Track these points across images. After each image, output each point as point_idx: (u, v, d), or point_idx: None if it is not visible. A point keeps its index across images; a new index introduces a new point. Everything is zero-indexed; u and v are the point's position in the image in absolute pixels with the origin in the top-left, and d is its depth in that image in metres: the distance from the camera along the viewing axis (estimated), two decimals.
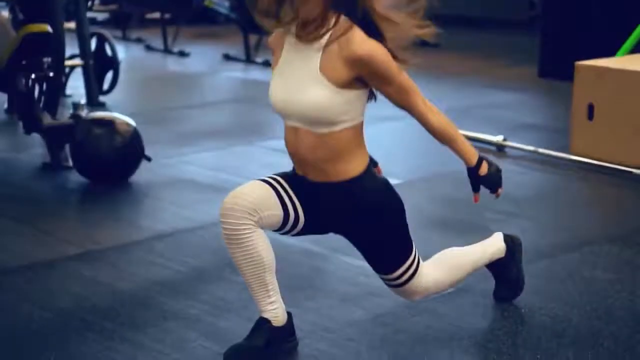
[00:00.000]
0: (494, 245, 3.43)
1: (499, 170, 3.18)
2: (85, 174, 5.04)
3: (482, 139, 5.83)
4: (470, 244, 4.18)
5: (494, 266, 3.45)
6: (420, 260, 3.15)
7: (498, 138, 5.74)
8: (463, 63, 9.11)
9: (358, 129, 2.92)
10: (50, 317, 3.37)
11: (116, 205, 4.74)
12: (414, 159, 5.62)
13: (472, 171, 3.16)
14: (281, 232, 3.01)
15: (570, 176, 5.27)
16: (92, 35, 7.03)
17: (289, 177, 3.01)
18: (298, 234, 3.04)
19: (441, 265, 3.24)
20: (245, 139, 6.08)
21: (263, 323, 3.00)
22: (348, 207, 2.96)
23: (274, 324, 3.00)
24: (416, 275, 3.10)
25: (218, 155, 5.68)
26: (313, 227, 3.02)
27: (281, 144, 5.69)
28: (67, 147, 5.25)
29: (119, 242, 4.16)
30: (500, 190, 3.20)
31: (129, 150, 5.01)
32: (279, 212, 2.93)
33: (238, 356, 2.96)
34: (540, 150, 5.56)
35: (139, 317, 3.36)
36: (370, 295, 3.56)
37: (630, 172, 5.14)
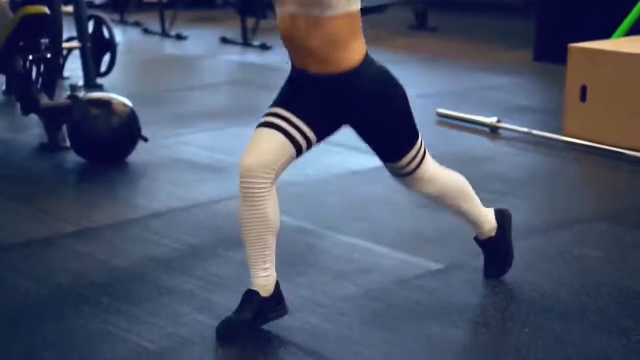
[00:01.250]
0: (487, 216, 3.47)
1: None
2: (82, 154, 5.09)
3: (477, 121, 5.88)
4: (462, 223, 4.25)
5: (484, 243, 3.50)
6: (427, 151, 3.26)
7: (492, 120, 5.78)
8: (460, 47, 9.14)
9: (354, 18, 2.96)
10: (47, 292, 3.42)
11: (113, 184, 4.79)
12: None
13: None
14: (300, 157, 3.11)
15: (563, 157, 5.32)
16: (89, 17, 7.06)
17: (288, 96, 3.05)
18: (317, 143, 3.12)
19: (451, 175, 3.39)
20: (242, 120, 6.11)
21: (251, 295, 3.07)
22: (352, 97, 3.02)
23: (262, 295, 3.06)
24: (424, 162, 3.21)
25: (214, 136, 5.72)
26: (325, 131, 3.10)
27: None
28: (64, 128, 5.29)
29: (115, 220, 4.21)
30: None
31: (126, 131, 5.06)
32: (292, 151, 3.03)
33: (228, 330, 3.03)
34: (534, 131, 5.60)
35: (134, 292, 3.42)
36: (363, 271, 3.61)
37: (622, 153, 5.19)
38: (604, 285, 3.49)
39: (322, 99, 3.04)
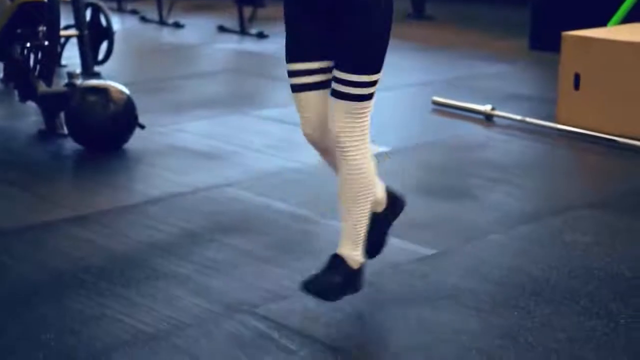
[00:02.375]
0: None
1: None
2: (79, 141, 5.14)
3: (471, 109, 5.92)
4: (456, 208, 4.31)
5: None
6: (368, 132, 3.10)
7: (486, 107, 5.83)
8: (456, 35, 9.18)
9: None
10: (45, 276, 3.47)
11: (110, 171, 4.83)
12: (403, 129, 5.72)
13: None
14: None
15: (556, 144, 5.38)
16: (87, 5, 7.09)
17: (294, 43, 3.05)
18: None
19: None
20: (239, 108, 6.17)
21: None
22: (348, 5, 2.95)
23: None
24: (370, 100, 3.01)
25: (211, 123, 5.76)
26: (331, 43, 3.02)
27: (273, 112, 5.87)
28: (62, 115, 5.33)
29: (113, 205, 4.26)
30: None
31: (123, 118, 5.10)
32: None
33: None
34: (528, 119, 5.65)
35: (131, 276, 3.47)
36: None
37: (614, 140, 5.24)
38: (594, 270, 3.54)
39: (317, 18, 3.00)
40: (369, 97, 3.00)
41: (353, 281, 3.13)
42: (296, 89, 3.09)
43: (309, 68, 3.05)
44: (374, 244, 3.40)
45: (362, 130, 3.00)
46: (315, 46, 3.04)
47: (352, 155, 2.99)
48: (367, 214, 3.10)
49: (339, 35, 2.98)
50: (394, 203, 3.48)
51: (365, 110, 3.00)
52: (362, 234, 3.12)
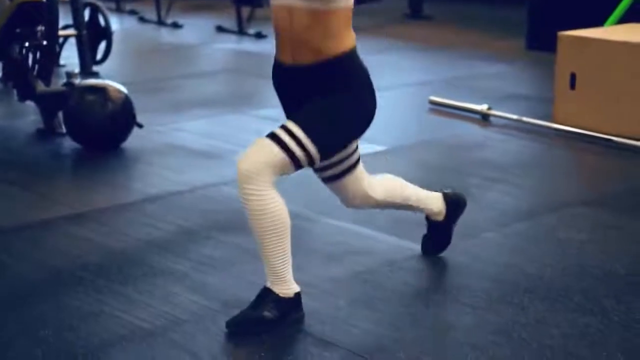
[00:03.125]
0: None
1: None
2: (78, 140, 5.17)
3: (468, 108, 5.95)
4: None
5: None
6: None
7: (483, 107, 5.86)
8: (454, 35, 9.21)
9: (349, 13, 3.01)
10: (43, 274, 3.50)
11: (108, 169, 4.86)
12: (399, 127, 5.74)
13: None
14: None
15: (552, 144, 5.40)
16: (85, 5, 7.12)
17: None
18: None
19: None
20: (237, 107, 6.19)
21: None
22: (329, 78, 3.00)
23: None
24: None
25: (209, 123, 5.79)
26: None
27: (271, 112, 5.91)
28: (60, 114, 5.36)
29: (111, 204, 4.29)
30: None
31: (121, 117, 5.13)
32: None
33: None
34: (524, 118, 5.68)
35: (129, 273, 3.49)
36: (353, 254, 3.69)
37: (610, 139, 5.27)
38: (588, 267, 3.57)
39: (300, 89, 3.07)
40: (295, 159, 2.96)
41: (287, 310, 3.06)
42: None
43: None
44: (439, 244, 3.65)
45: (266, 177, 2.94)
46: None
47: (252, 199, 2.94)
48: (279, 250, 3.02)
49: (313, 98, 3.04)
50: (455, 205, 3.64)
51: (283, 166, 2.96)
52: (280, 270, 3.04)
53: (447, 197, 3.63)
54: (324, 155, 3.04)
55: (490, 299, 3.31)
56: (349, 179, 3.30)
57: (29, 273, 3.52)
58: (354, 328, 3.07)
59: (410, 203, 3.52)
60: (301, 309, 3.10)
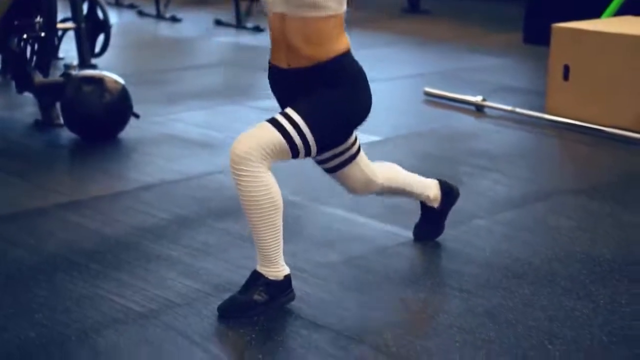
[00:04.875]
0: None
1: None
2: (75, 131, 5.22)
3: (463, 100, 6.00)
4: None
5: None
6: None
7: (477, 98, 5.91)
8: (452, 29, 9.26)
9: (340, 19, 3.05)
10: (38, 259, 3.55)
11: (105, 159, 4.91)
12: (394, 118, 5.79)
13: None
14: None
15: (545, 134, 5.45)
16: None
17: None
18: None
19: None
20: (234, 99, 6.24)
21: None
22: (325, 78, 3.05)
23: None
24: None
25: (206, 114, 5.84)
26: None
27: (267, 104, 5.95)
28: (58, 105, 5.41)
29: (107, 192, 4.34)
30: None
31: (118, 107, 5.18)
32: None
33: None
34: (518, 110, 5.73)
35: (123, 259, 3.55)
36: (345, 240, 3.74)
37: (602, 130, 5.32)
38: (576, 253, 3.62)
39: (296, 91, 3.10)
40: (293, 145, 3.01)
41: (277, 293, 3.10)
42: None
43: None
44: (431, 231, 3.72)
45: (262, 161, 2.98)
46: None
47: (246, 181, 2.97)
48: (271, 233, 3.05)
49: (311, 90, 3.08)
50: (449, 195, 3.71)
51: (280, 152, 3.00)
52: (271, 252, 3.08)
53: (442, 185, 3.70)
54: (321, 146, 3.08)
55: (478, 283, 3.36)
56: (351, 169, 3.35)
57: (24, 258, 3.57)
58: (344, 311, 3.12)
59: (410, 188, 3.59)
60: (291, 291, 3.15)
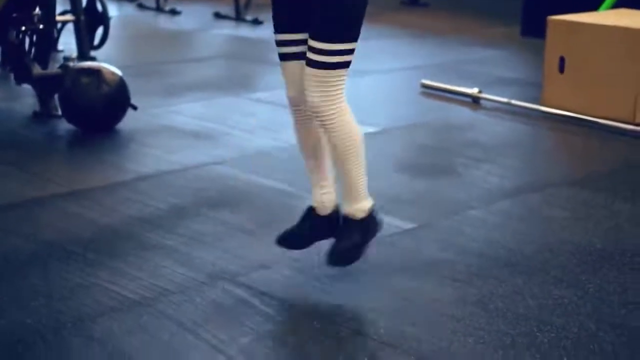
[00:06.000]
0: (365, 195, 3.30)
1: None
2: (73, 122, 5.25)
3: (459, 91, 6.03)
4: (439, 185, 4.42)
5: (347, 219, 3.33)
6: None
7: (473, 90, 5.94)
8: (450, 22, 9.28)
9: None
10: (35, 248, 3.59)
11: (103, 150, 4.94)
12: (391, 110, 5.82)
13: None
14: None
15: (540, 126, 5.49)
16: None
17: (279, 19, 3.21)
18: None
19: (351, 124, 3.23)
20: (232, 91, 6.27)
21: (309, 211, 3.38)
22: None
23: (319, 212, 3.34)
24: (343, 69, 3.10)
25: (204, 105, 5.87)
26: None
27: (264, 95, 5.98)
28: (56, 96, 5.44)
29: (104, 182, 4.38)
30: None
31: (115, 99, 5.21)
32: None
33: (288, 239, 3.36)
34: (513, 101, 5.76)
35: (119, 248, 3.58)
36: None
37: (597, 122, 5.35)
38: (567, 243, 3.66)
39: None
40: (343, 65, 3.10)
41: (367, 229, 3.30)
42: (281, 57, 3.24)
43: (293, 39, 3.19)
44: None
45: (338, 97, 3.11)
46: (297, 18, 3.17)
47: (331, 122, 3.11)
48: (361, 168, 3.23)
49: (314, 5, 3.09)
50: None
51: (341, 79, 3.11)
52: (362, 186, 3.26)
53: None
54: (355, 41, 3.12)
55: (470, 272, 3.39)
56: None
57: (21, 247, 3.61)
58: (335, 299, 3.16)
59: (320, 161, 3.37)
60: (380, 220, 3.35)
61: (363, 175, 3.24)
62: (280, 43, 3.24)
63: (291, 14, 3.19)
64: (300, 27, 3.17)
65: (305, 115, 3.25)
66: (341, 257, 3.28)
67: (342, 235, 3.30)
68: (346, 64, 3.11)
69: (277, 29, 3.24)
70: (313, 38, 3.09)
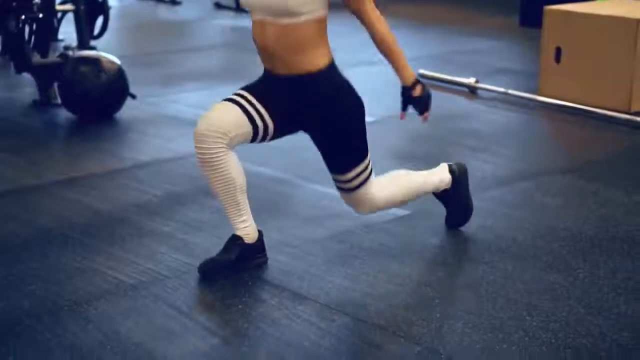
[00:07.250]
0: (438, 175, 3.63)
1: (429, 96, 3.36)
2: (72, 110, 5.30)
3: (456, 81, 6.07)
4: None
5: (442, 196, 3.69)
6: (373, 171, 3.37)
7: (470, 80, 5.97)
8: (448, 13, 9.30)
9: (321, 24, 3.10)
10: (33, 233, 3.64)
11: (101, 138, 4.99)
12: (389, 100, 5.83)
13: (406, 90, 3.35)
14: (255, 142, 3.26)
15: (536, 115, 5.53)
16: None
17: (255, 86, 3.25)
18: (272, 138, 3.27)
19: (392, 182, 3.47)
20: (231, 80, 6.29)
21: (235, 240, 3.28)
22: (312, 99, 3.15)
23: (245, 241, 3.28)
24: (368, 182, 3.32)
25: (203, 95, 5.91)
26: (283, 128, 3.24)
27: None
28: (55, 85, 5.49)
29: (103, 170, 4.42)
30: (426, 114, 3.36)
31: (114, 87, 5.26)
32: (248, 128, 3.17)
33: (211, 269, 3.24)
34: (510, 91, 5.80)
35: (116, 234, 3.63)
36: (332, 217, 3.82)
37: (593, 111, 5.38)
38: (559, 230, 3.70)
39: (286, 98, 3.18)
40: (367, 179, 3.33)
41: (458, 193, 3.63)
42: (228, 100, 3.21)
43: (254, 103, 3.19)
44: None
45: (371, 185, 3.35)
46: (273, 106, 3.19)
47: (377, 206, 3.43)
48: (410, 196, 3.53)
49: (319, 133, 3.24)
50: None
51: (366, 174, 3.33)
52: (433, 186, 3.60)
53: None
54: (367, 154, 3.31)
55: (461, 258, 3.44)
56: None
57: (19, 231, 3.65)
58: (329, 284, 3.20)
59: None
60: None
61: (423, 185, 3.55)
62: (238, 94, 3.22)
63: (275, 100, 3.18)
64: (271, 109, 3.19)
65: (209, 154, 3.16)
66: (461, 221, 3.68)
67: (450, 206, 3.67)
68: (369, 175, 3.33)
69: (248, 90, 3.22)
70: (333, 172, 3.32)
